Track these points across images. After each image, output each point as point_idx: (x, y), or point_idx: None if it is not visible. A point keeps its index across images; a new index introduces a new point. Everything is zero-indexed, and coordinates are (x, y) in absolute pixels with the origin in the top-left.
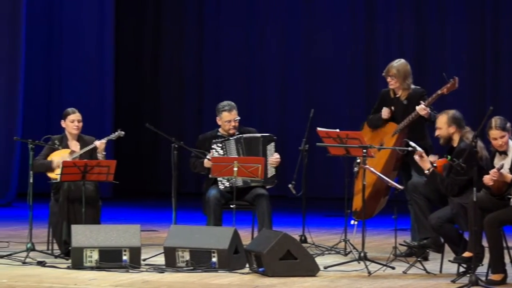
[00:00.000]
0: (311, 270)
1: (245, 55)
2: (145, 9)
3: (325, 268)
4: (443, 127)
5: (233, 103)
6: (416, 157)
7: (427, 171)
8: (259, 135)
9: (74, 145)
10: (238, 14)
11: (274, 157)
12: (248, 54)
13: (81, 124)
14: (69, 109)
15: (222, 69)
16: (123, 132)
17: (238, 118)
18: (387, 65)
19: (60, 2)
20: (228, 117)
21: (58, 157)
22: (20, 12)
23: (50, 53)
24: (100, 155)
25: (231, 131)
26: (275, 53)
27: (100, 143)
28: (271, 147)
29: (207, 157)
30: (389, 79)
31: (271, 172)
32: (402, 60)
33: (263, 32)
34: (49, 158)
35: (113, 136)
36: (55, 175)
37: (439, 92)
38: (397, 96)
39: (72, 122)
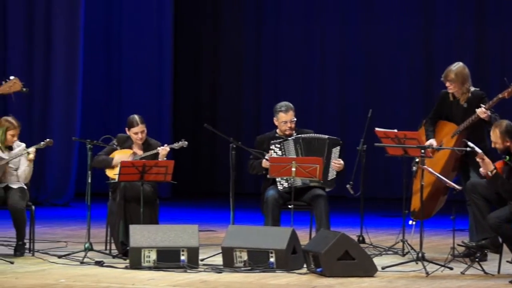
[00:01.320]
0: (369, 270)
1: (304, 55)
2: (203, 11)
3: (383, 268)
4: (498, 141)
5: (290, 104)
6: (478, 160)
7: (490, 173)
8: (325, 136)
9: (138, 149)
10: (297, 14)
11: (337, 161)
12: (307, 55)
13: (144, 134)
14: (134, 120)
15: (281, 70)
16: (186, 142)
17: (295, 119)
18: (446, 65)
19: (119, 4)
20: (284, 118)
21: (119, 155)
22: (79, 13)
23: (109, 54)
24: (162, 160)
25: (287, 132)
26: (334, 54)
27: (162, 149)
28: (336, 150)
29: (266, 157)
30: (447, 83)
31: (332, 175)
32: (460, 64)
33: (323, 33)
34: (111, 156)
35: (176, 145)
36: (114, 175)
37: (500, 96)
38: (457, 99)
39: (136, 134)
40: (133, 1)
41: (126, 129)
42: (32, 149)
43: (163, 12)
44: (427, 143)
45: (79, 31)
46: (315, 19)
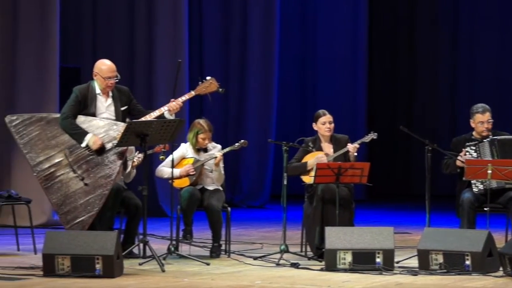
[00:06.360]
0: None
1: (499, 56)
2: (398, 10)
3: None
4: None
5: (487, 106)
6: None
7: None
8: None
9: (327, 147)
10: (493, 13)
11: None
12: (502, 56)
13: (332, 125)
14: (320, 111)
15: (476, 71)
16: (376, 134)
17: (491, 120)
18: None
19: (314, 4)
20: (481, 119)
21: (312, 159)
22: (274, 14)
23: (304, 56)
24: (352, 158)
25: (484, 133)
26: None
27: (353, 147)
28: None
29: (458, 157)
30: None
31: None
32: None
33: None
34: (303, 160)
35: (366, 138)
36: (309, 178)
37: None
38: None
39: (323, 124)
40: (328, 3)
41: (313, 124)
42: (219, 153)
43: (358, 12)
44: None
45: (275, 32)
46: (511, 17)
